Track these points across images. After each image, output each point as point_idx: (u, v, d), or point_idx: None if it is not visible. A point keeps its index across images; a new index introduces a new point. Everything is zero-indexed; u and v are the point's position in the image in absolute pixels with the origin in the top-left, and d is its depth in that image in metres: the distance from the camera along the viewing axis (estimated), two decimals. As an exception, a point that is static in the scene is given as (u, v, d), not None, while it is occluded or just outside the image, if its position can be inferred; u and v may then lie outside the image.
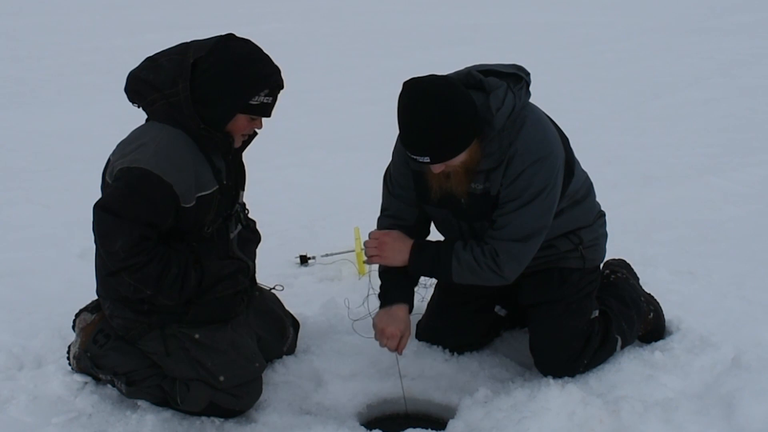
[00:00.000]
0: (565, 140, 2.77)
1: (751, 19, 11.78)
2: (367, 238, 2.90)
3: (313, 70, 8.67)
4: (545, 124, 2.66)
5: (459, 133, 2.50)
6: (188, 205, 2.56)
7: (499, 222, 2.67)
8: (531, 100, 2.71)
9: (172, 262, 2.56)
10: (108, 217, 2.49)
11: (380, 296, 2.91)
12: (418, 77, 2.52)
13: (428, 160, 2.53)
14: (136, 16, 12.70)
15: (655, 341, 3.14)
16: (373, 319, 2.89)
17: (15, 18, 12.48)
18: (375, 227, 2.99)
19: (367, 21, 12.38)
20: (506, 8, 13.13)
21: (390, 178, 2.92)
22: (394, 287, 2.89)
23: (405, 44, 10.47)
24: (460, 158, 2.56)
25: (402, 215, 2.91)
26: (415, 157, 2.54)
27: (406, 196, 2.88)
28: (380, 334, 2.82)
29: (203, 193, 2.60)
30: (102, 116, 7.04)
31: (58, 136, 6.56)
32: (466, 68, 2.68)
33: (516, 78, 2.62)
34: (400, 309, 2.84)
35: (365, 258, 2.93)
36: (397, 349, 2.83)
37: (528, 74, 2.68)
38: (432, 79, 2.51)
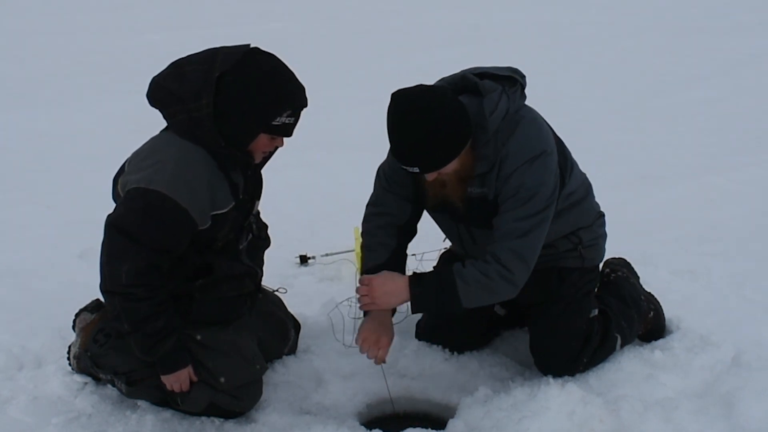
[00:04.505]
0: (560, 146, 2.76)
1: (751, 19, 11.77)
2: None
3: (313, 70, 8.64)
4: (539, 124, 2.65)
5: (447, 144, 2.50)
6: (204, 227, 2.56)
7: (497, 224, 2.65)
8: (530, 101, 2.71)
9: (163, 316, 2.54)
10: (120, 238, 2.47)
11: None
12: (406, 88, 2.53)
13: (418, 170, 2.54)
14: (136, 16, 12.68)
15: (655, 340, 3.15)
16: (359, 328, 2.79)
17: (15, 18, 12.48)
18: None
19: (368, 21, 12.36)
20: (506, 8, 13.10)
21: (385, 174, 2.89)
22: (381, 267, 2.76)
23: (405, 44, 10.46)
24: (452, 166, 2.56)
25: (395, 211, 2.87)
26: (404, 167, 2.56)
27: (402, 193, 2.85)
28: (362, 342, 2.75)
29: (219, 212, 2.58)
30: (102, 116, 7.04)
31: (58, 136, 6.54)
32: (461, 72, 2.68)
33: (511, 81, 2.62)
34: (383, 314, 2.75)
35: (359, 303, 2.75)
36: (378, 357, 2.76)
37: (523, 77, 2.68)
38: (420, 89, 2.52)
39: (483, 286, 2.62)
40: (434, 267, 3.19)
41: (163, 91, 2.53)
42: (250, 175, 2.71)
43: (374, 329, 2.76)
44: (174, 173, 2.48)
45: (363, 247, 2.92)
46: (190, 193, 2.49)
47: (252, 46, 2.57)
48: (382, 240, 2.86)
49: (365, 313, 2.81)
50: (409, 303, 2.70)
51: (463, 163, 2.59)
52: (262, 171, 2.83)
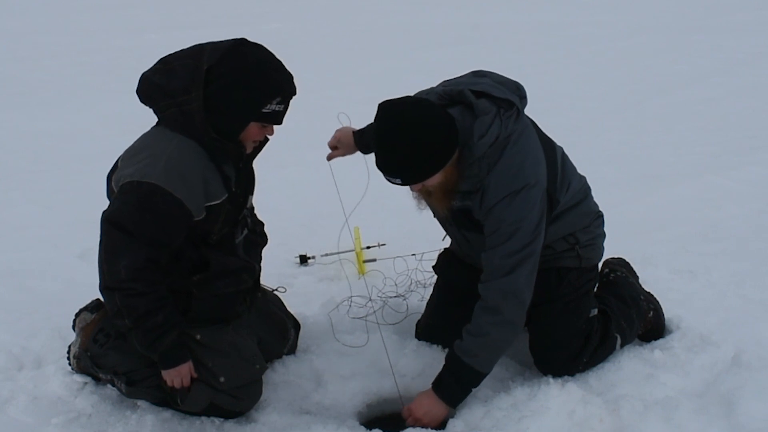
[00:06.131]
0: (553, 164, 2.72)
1: (751, 18, 11.77)
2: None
3: (313, 70, 8.66)
4: (525, 154, 2.62)
5: (428, 159, 2.51)
6: (199, 218, 2.56)
7: (484, 261, 2.67)
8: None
9: (162, 311, 2.54)
10: (117, 233, 2.48)
11: None
12: (393, 100, 2.54)
13: (400, 182, 2.55)
14: (136, 16, 12.69)
15: (655, 340, 3.15)
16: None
17: (15, 18, 12.48)
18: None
19: (368, 20, 12.37)
20: (506, 8, 13.11)
21: None
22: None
23: (405, 44, 10.47)
24: (435, 179, 2.57)
25: None
26: (387, 178, 2.57)
27: None
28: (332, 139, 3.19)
29: (212, 203, 2.59)
30: (102, 116, 7.04)
31: (58, 136, 6.55)
32: (464, 83, 2.67)
33: (509, 104, 2.61)
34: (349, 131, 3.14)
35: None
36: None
37: (524, 97, 2.67)
38: (406, 102, 2.53)
39: (486, 346, 2.67)
40: (434, 266, 3.19)
41: (153, 86, 2.56)
42: (242, 168, 2.72)
43: (340, 136, 3.15)
44: (167, 165, 2.49)
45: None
46: (184, 184, 2.50)
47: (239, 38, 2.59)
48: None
49: None
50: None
51: (448, 178, 2.60)
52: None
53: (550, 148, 2.74)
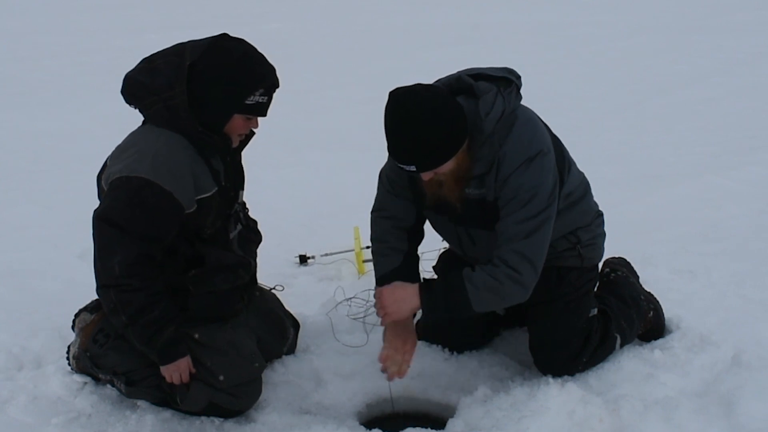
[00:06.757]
0: (558, 144, 2.75)
1: (751, 18, 11.78)
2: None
3: (313, 70, 8.66)
4: (535, 124, 2.65)
5: (443, 143, 2.50)
6: (190, 211, 2.57)
7: (500, 229, 2.65)
8: (530, 100, 2.71)
9: (157, 306, 2.54)
10: (109, 229, 2.49)
11: (378, 276, 2.83)
12: (404, 87, 2.53)
13: (414, 169, 2.54)
14: (136, 16, 12.70)
15: (655, 340, 3.14)
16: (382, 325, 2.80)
17: (15, 18, 12.48)
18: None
19: (368, 20, 12.38)
20: (506, 8, 13.12)
21: (388, 178, 2.89)
22: (395, 265, 2.81)
23: (405, 44, 10.47)
24: (447, 166, 2.56)
25: (401, 214, 2.88)
26: (401, 165, 2.56)
27: (406, 195, 2.86)
28: (384, 357, 2.75)
29: (203, 196, 2.60)
30: (102, 116, 7.03)
31: (58, 136, 6.56)
32: (457, 73, 2.69)
33: (506, 81, 2.62)
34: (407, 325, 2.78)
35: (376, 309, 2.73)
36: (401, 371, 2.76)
37: (519, 77, 2.68)
38: (417, 88, 2.52)
39: (492, 290, 2.63)
40: (434, 266, 3.19)
41: (137, 84, 2.58)
42: (230, 161, 2.73)
43: (397, 334, 2.75)
44: (155, 159, 2.51)
45: (374, 253, 2.91)
46: (173, 177, 2.51)
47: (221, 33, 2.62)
48: (394, 244, 2.86)
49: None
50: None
51: (459, 164, 2.59)
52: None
53: (549, 131, 2.75)
